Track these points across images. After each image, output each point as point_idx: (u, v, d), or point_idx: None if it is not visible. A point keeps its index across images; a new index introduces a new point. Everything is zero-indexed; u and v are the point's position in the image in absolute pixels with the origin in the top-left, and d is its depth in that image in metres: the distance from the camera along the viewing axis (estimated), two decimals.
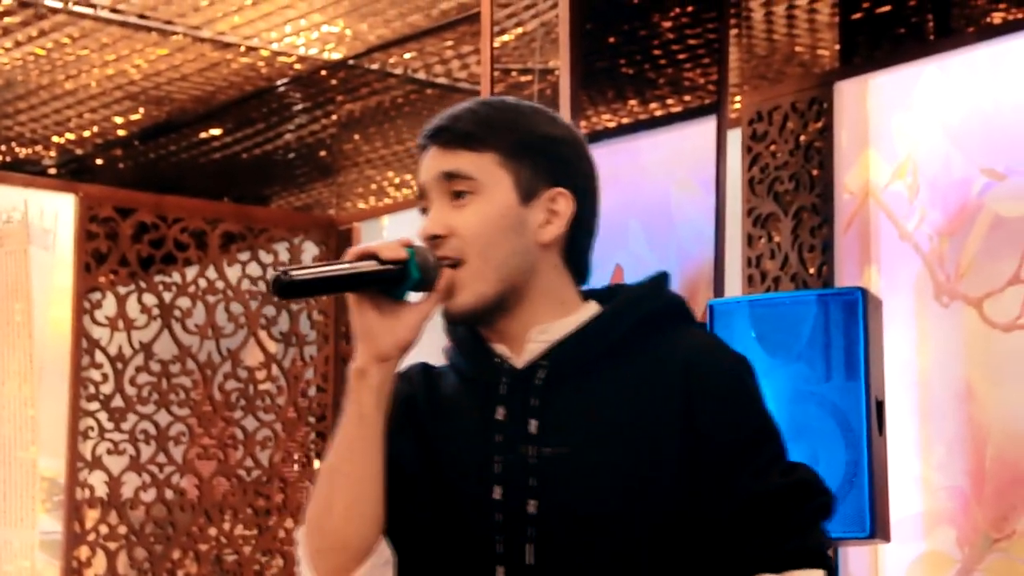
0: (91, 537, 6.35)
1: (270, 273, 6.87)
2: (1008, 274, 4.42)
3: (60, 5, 5.92)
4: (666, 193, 5.84)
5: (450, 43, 6.16)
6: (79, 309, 6.40)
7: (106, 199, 6.50)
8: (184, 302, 6.62)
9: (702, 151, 5.46)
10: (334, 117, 7.04)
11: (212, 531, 6.65)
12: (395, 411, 1.84)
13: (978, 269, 4.49)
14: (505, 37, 5.74)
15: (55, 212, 6.67)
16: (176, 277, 6.65)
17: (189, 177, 7.70)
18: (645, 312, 1.85)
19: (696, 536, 1.75)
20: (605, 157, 6.10)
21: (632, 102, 5.85)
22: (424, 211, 1.89)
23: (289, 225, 7.03)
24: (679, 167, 5.73)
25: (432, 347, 1.95)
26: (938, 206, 4.61)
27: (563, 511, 1.76)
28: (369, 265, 1.78)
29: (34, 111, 7.09)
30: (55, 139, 7.46)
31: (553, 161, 1.86)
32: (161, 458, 6.50)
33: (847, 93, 4.70)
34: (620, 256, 6.07)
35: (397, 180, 7.74)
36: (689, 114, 5.69)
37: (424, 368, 1.95)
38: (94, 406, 6.38)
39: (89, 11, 5.95)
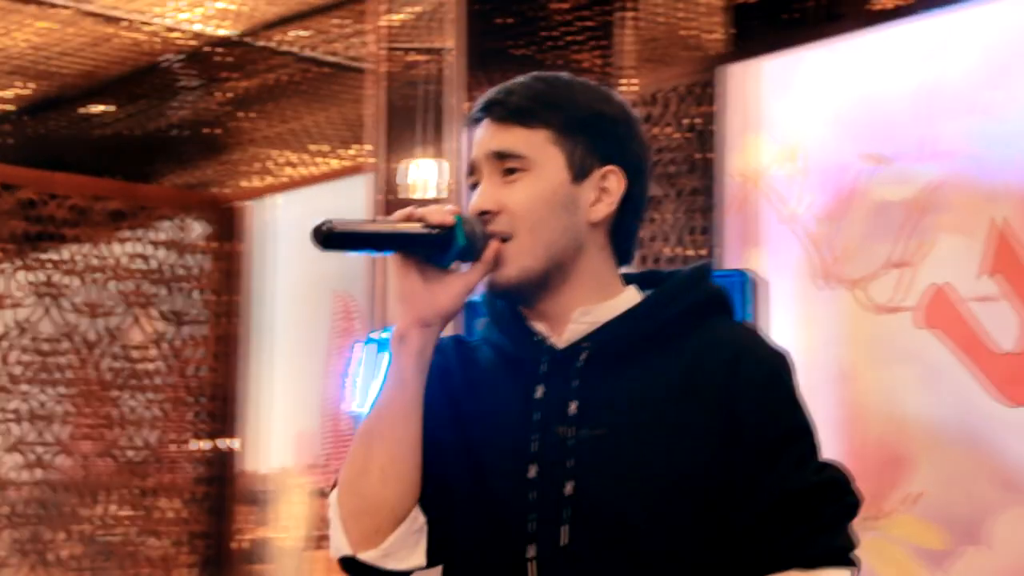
0: None
1: (156, 251, 6.83)
2: (887, 257, 4.50)
3: None
4: None
5: (341, 21, 6.13)
6: None
7: None
8: (67, 280, 6.52)
9: None
10: (224, 95, 6.97)
11: (93, 511, 6.56)
12: (430, 382, 1.82)
13: (858, 252, 4.57)
14: (397, 16, 5.72)
15: None
16: (59, 255, 6.54)
17: (75, 153, 7.58)
18: (689, 302, 1.83)
19: (729, 526, 1.76)
20: None
21: None
22: (473, 186, 1.86)
23: (176, 203, 6.94)
24: None
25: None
26: (821, 190, 4.69)
27: (599, 494, 1.75)
28: (414, 226, 1.75)
29: None
30: None
31: (606, 139, 1.84)
32: (42, 438, 6.39)
33: (735, 77, 4.76)
34: None
35: (287, 159, 7.69)
36: None
37: (457, 340, 1.93)
38: None
39: None
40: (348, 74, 6.66)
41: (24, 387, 6.37)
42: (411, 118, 5.89)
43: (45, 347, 6.41)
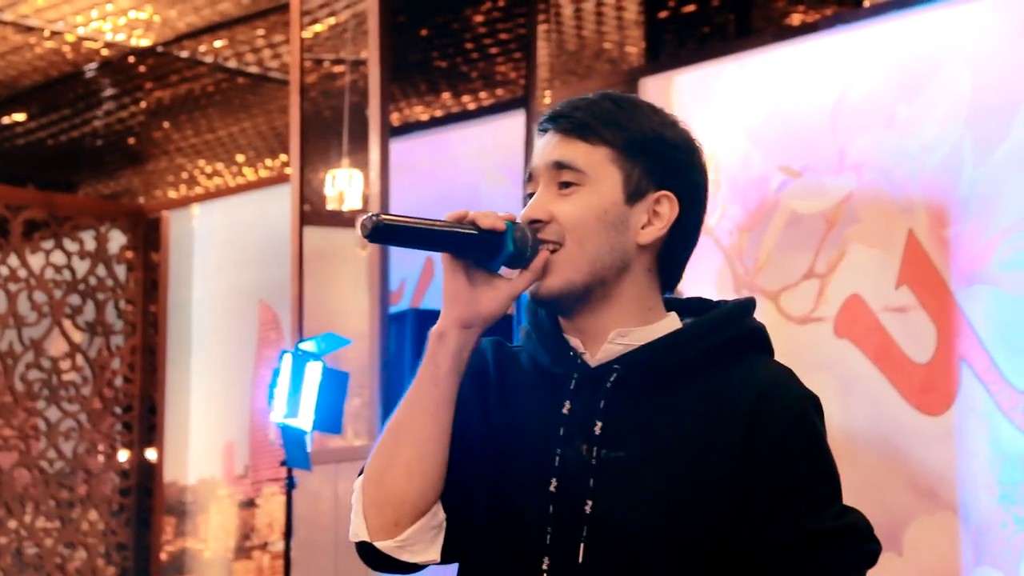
0: None
1: (75, 261, 6.77)
2: (803, 269, 4.56)
3: None
4: (476, 185, 5.89)
5: (261, 32, 6.12)
6: None
7: None
8: None
9: (512, 144, 5.52)
10: (143, 104, 6.93)
11: (12, 523, 6.49)
12: (465, 382, 1.83)
13: (775, 263, 4.63)
14: (317, 27, 5.72)
15: None
16: None
17: None
18: (725, 336, 1.82)
19: (744, 562, 1.77)
20: (417, 149, 6.14)
21: (445, 95, 5.88)
22: (530, 195, 1.86)
23: (96, 213, 6.89)
24: (489, 160, 5.79)
25: None
26: (738, 202, 4.74)
27: (616, 516, 1.77)
28: (465, 227, 1.75)
29: None
30: None
31: (665, 164, 1.83)
32: None
33: (652, 89, 4.80)
34: None
35: (208, 169, 7.65)
36: (500, 107, 5.75)
37: (498, 344, 1.93)
38: None
39: None
40: (267, 84, 6.64)
41: None
42: (332, 128, 5.89)
43: None
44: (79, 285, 6.77)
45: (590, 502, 1.77)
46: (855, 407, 4.41)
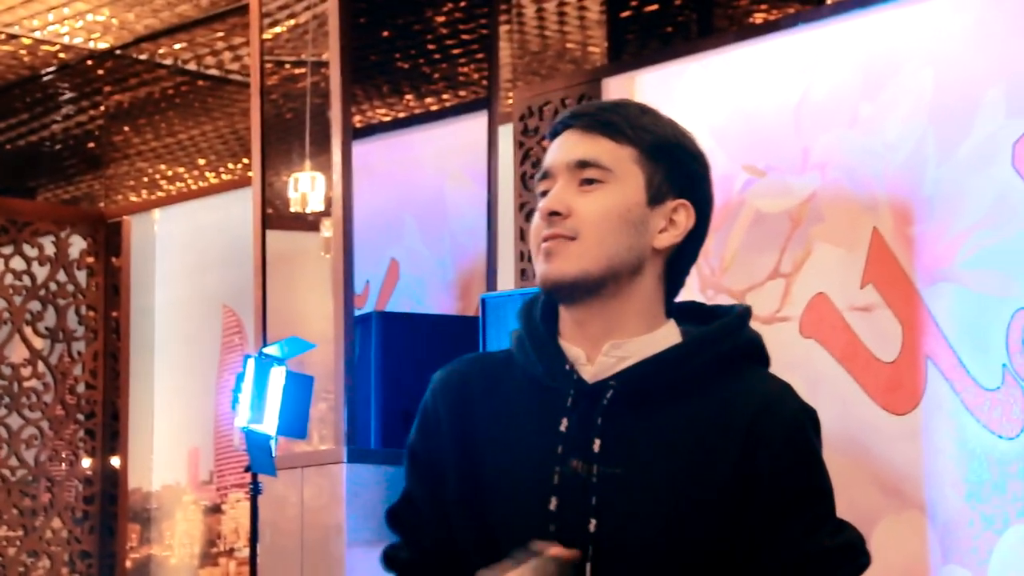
0: None
1: (35, 267, 6.71)
2: (769, 268, 4.56)
3: None
4: (440, 187, 5.86)
5: (221, 34, 6.07)
6: None
7: None
8: None
9: (475, 146, 5.50)
10: (102, 108, 6.87)
11: None
12: (440, 424, 1.85)
13: (741, 263, 4.62)
14: (277, 29, 5.68)
15: None
16: None
17: None
18: (724, 350, 1.82)
19: None
20: (379, 151, 6.11)
21: (407, 96, 5.86)
22: (543, 193, 1.85)
23: (55, 218, 6.83)
24: (452, 161, 5.76)
25: None
26: None
27: (620, 533, 1.76)
28: None
29: None
30: None
31: (684, 172, 1.85)
32: None
33: (614, 89, 4.78)
34: (395, 250, 6.07)
35: (170, 173, 7.60)
36: (462, 109, 5.72)
37: (483, 362, 1.93)
38: None
39: None
40: (228, 86, 6.60)
41: None
42: (294, 131, 5.85)
43: None
44: (39, 291, 6.71)
45: (594, 520, 1.76)
46: (821, 407, 4.36)
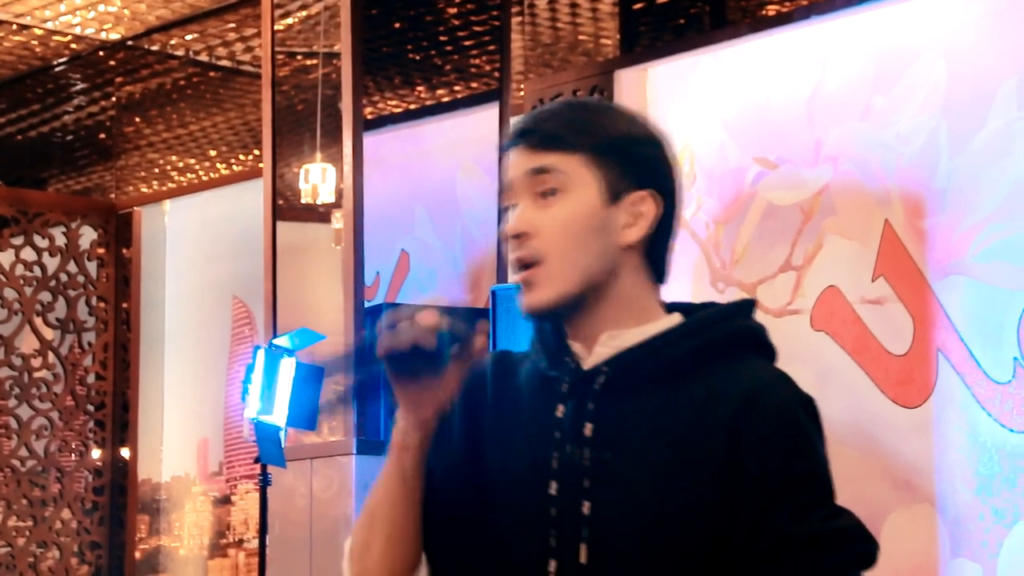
0: None
1: (46, 258, 6.73)
2: (780, 261, 4.55)
3: None
4: (451, 179, 5.86)
5: (232, 25, 6.07)
6: None
7: None
8: None
9: (486, 137, 5.50)
10: (114, 99, 6.87)
11: None
12: (450, 415, 1.85)
13: (752, 256, 4.61)
14: (289, 20, 5.68)
15: None
16: None
17: None
18: (716, 336, 1.82)
19: (731, 566, 1.75)
20: (391, 142, 6.11)
21: (419, 88, 5.86)
22: (507, 209, 1.86)
23: (66, 209, 6.84)
24: (464, 153, 5.76)
25: None
26: (714, 194, 4.72)
27: (612, 515, 1.78)
28: (401, 347, 1.76)
29: None
30: None
31: (638, 162, 1.83)
32: None
33: (627, 81, 4.78)
34: (406, 242, 6.08)
35: (180, 164, 7.60)
36: (474, 100, 5.72)
37: (501, 357, 1.95)
38: None
39: None
40: (240, 78, 6.60)
41: None
42: (305, 122, 5.85)
43: None
44: (50, 282, 6.72)
45: (587, 503, 1.78)
46: (832, 399, 4.40)
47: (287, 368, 4.86)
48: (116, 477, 6.86)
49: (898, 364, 4.31)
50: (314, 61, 5.73)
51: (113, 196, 7.60)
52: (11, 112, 7.00)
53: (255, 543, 6.14)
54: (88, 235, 6.85)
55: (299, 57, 5.78)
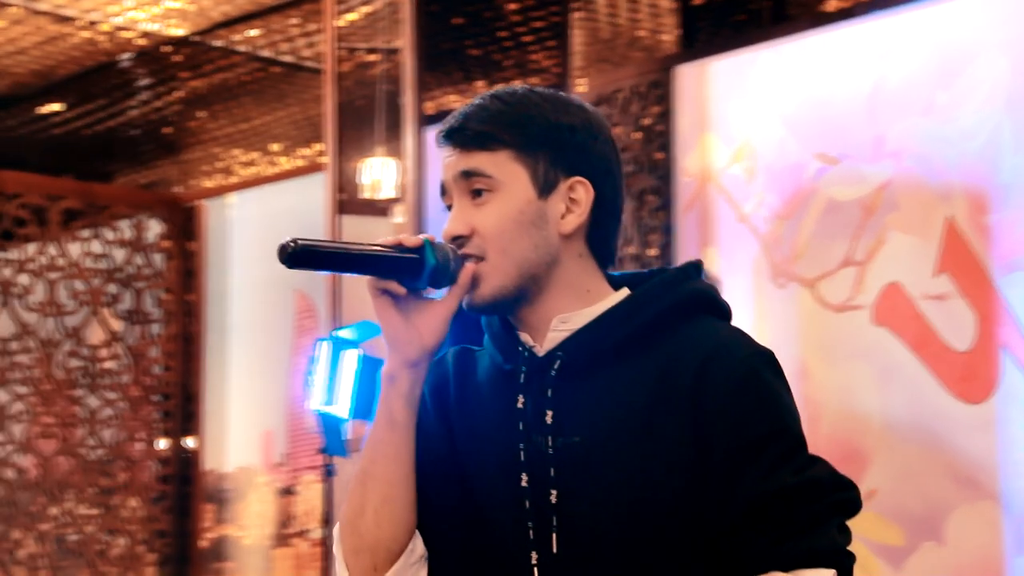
0: None
1: (113, 250, 6.80)
2: (841, 256, 4.54)
3: None
4: None
5: (295, 21, 6.12)
6: None
7: None
8: (24, 279, 6.50)
9: None
10: (178, 94, 6.94)
11: (54, 510, 6.54)
12: (424, 402, 1.86)
13: (812, 251, 4.60)
14: (351, 16, 5.72)
15: None
16: (15, 254, 6.52)
17: (30, 152, 7.53)
18: (667, 303, 1.80)
19: (707, 535, 1.74)
20: None
21: (478, 83, 5.87)
22: (448, 207, 1.87)
23: (132, 202, 6.91)
24: None
25: None
26: (774, 189, 4.72)
27: (580, 502, 1.76)
28: (384, 248, 1.77)
29: None
30: None
31: (568, 150, 1.83)
32: (1, 437, 6.38)
33: (687, 77, 4.77)
34: None
35: (244, 158, 7.67)
36: None
37: (460, 352, 1.96)
38: None
39: None
40: (302, 73, 6.65)
41: None
42: (366, 117, 5.89)
43: (3, 346, 6.39)
44: (117, 274, 6.80)
45: (554, 491, 1.77)
46: (894, 395, 4.39)
47: (350, 360, 4.90)
48: (182, 467, 6.94)
49: (961, 360, 4.29)
50: (375, 57, 5.77)
51: (178, 189, 7.69)
52: (79, 107, 7.09)
53: (318, 533, 6.20)
54: (154, 228, 6.92)
55: (360, 53, 5.81)
